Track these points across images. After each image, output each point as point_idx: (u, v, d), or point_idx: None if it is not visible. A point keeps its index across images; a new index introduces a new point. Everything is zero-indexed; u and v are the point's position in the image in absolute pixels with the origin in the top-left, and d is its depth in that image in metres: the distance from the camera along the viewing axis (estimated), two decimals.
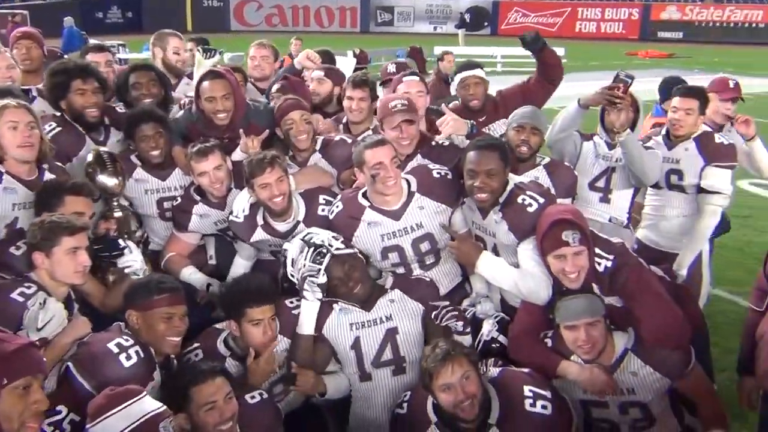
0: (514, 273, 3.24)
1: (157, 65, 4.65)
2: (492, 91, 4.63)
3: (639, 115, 4.01)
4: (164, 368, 2.88)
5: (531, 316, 3.20)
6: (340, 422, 3.44)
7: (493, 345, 3.34)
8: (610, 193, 4.11)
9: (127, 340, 2.73)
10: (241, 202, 3.60)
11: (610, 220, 4.09)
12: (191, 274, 3.78)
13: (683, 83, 4.84)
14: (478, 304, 3.48)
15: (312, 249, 3.17)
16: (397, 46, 22.81)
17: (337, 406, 3.41)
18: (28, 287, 2.80)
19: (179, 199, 3.86)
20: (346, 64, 5.75)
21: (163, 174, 3.91)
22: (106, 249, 3.31)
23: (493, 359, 3.25)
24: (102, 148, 3.68)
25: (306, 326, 3.22)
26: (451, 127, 3.83)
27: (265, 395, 2.95)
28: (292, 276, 3.24)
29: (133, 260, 3.33)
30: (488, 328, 3.38)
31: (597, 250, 3.05)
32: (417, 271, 3.52)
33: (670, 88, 4.70)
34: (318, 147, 3.94)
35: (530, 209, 3.21)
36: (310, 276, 3.14)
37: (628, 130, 3.85)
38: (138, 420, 2.31)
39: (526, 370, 3.02)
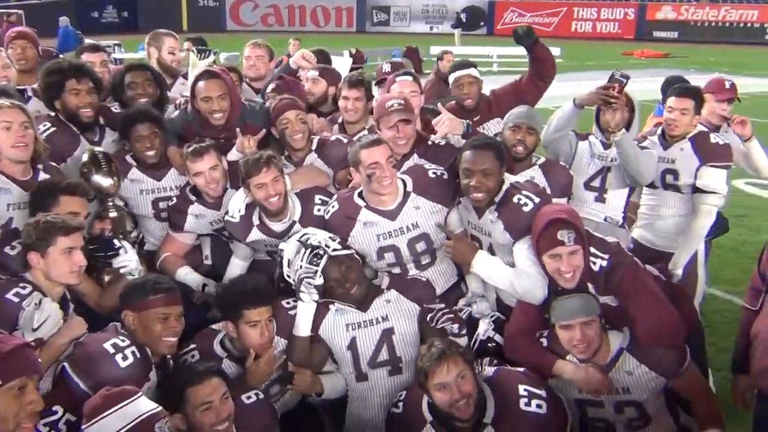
0: (510, 272, 3.24)
1: (153, 65, 4.65)
2: (487, 90, 4.63)
3: (634, 115, 4.01)
4: (160, 369, 2.87)
5: (527, 315, 3.21)
6: (336, 422, 3.44)
7: (489, 344, 3.35)
8: (606, 193, 4.12)
9: (123, 341, 2.72)
10: (236, 202, 3.59)
11: (605, 220, 4.09)
12: (187, 275, 3.77)
13: (686, 83, 4.85)
14: (474, 303, 3.48)
15: (309, 250, 3.17)
16: (393, 45, 22.86)
17: (333, 406, 3.41)
18: (24, 287, 2.79)
19: (175, 200, 3.85)
20: (342, 64, 5.76)
21: (159, 174, 3.90)
22: (101, 249, 3.30)
23: (488, 359, 3.25)
24: (97, 148, 3.67)
25: (302, 328, 3.22)
26: (447, 127, 3.83)
27: (261, 395, 2.95)
28: (288, 276, 3.24)
29: (128, 260, 3.32)
30: (484, 328, 3.39)
31: (592, 250, 3.06)
32: (413, 271, 3.52)
33: None
34: (314, 147, 3.94)
35: (526, 209, 3.21)
36: (307, 277, 3.14)
37: (623, 129, 3.85)
38: (133, 420, 2.31)
39: (521, 369, 3.03)
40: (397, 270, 3.51)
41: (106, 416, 2.31)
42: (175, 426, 2.53)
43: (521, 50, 4.51)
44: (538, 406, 2.83)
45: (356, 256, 3.30)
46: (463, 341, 3.20)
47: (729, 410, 3.19)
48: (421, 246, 3.47)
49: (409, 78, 4.26)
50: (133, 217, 3.87)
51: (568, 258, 2.98)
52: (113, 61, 14.24)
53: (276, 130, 3.92)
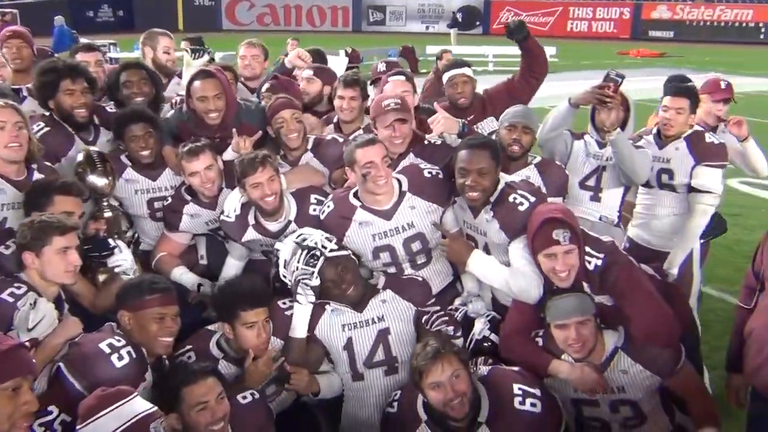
0: (505, 271, 3.25)
1: (147, 65, 4.64)
2: (480, 90, 4.64)
3: (629, 114, 4.01)
4: (156, 369, 2.87)
5: (522, 315, 3.21)
6: (332, 422, 3.44)
7: (485, 344, 3.35)
8: (601, 192, 4.12)
9: (119, 341, 2.72)
10: (232, 202, 3.59)
11: (600, 219, 4.09)
12: (182, 274, 3.77)
13: (689, 81, 4.85)
14: (470, 303, 3.49)
15: (305, 252, 3.16)
16: (389, 45, 22.87)
17: (329, 406, 3.41)
18: (18, 287, 2.79)
19: (170, 199, 3.84)
20: (338, 63, 5.76)
21: (154, 174, 3.89)
22: (95, 249, 3.29)
23: (482, 358, 3.26)
24: (92, 148, 3.67)
25: (299, 330, 3.22)
26: (443, 126, 3.83)
27: (257, 395, 2.94)
28: (284, 277, 3.24)
29: (123, 259, 3.32)
30: (480, 327, 3.39)
31: (587, 249, 3.06)
32: (408, 271, 3.52)
33: None
34: (310, 146, 3.94)
35: (521, 208, 3.22)
36: (304, 279, 3.14)
37: (618, 129, 3.86)
38: (129, 420, 2.30)
39: (515, 368, 3.03)
40: (392, 270, 3.51)
41: (101, 416, 2.31)
42: (170, 426, 2.53)
43: (517, 50, 4.51)
44: (533, 405, 2.84)
45: (353, 257, 3.30)
46: (458, 343, 3.19)
47: (723, 408, 3.20)
48: (416, 246, 3.48)
49: (402, 77, 4.27)
50: (128, 217, 3.86)
51: (563, 257, 2.99)
52: (108, 60, 14.23)
53: (272, 130, 3.91)
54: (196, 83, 3.88)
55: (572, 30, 35.02)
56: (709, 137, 4.19)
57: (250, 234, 3.58)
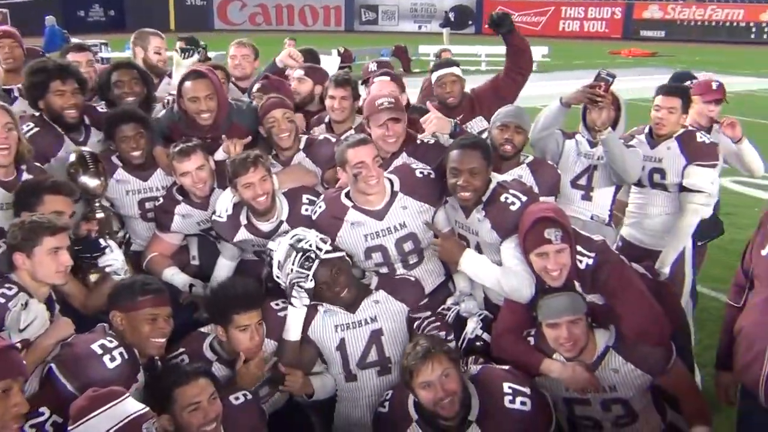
0: (497, 271, 3.25)
1: (138, 64, 4.62)
2: (468, 89, 4.64)
3: (621, 114, 4.02)
4: (148, 370, 2.86)
5: (514, 314, 3.22)
6: (325, 422, 3.44)
7: (477, 343, 3.35)
8: (592, 191, 4.13)
9: (111, 342, 2.71)
10: (224, 202, 3.58)
11: (591, 218, 4.10)
12: (173, 275, 3.75)
13: (694, 78, 4.85)
14: (462, 302, 3.49)
15: (300, 254, 3.15)
16: (381, 44, 22.87)
17: (322, 406, 3.41)
18: (9, 288, 2.77)
19: (161, 200, 3.83)
20: (330, 63, 5.75)
21: (145, 174, 3.87)
22: (86, 250, 3.28)
23: (473, 357, 3.26)
24: (84, 149, 3.65)
25: (293, 332, 3.22)
26: (435, 125, 3.84)
27: (249, 396, 2.93)
28: (278, 278, 3.23)
29: (113, 259, 3.30)
30: (472, 327, 3.39)
31: (578, 248, 3.07)
32: (400, 271, 3.52)
33: None
34: (302, 146, 3.94)
35: (513, 207, 3.22)
36: (299, 281, 3.14)
37: (609, 128, 3.86)
38: (121, 421, 2.30)
39: (505, 367, 3.04)
40: (384, 270, 3.51)
41: (93, 417, 2.30)
42: (162, 427, 2.52)
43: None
44: (523, 403, 2.85)
45: (347, 258, 3.29)
46: (450, 346, 3.20)
47: (715, 406, 3.21)
48: (408, 246, 3.48)
49: (387, 78, 4.29)
50: (119, 217, 3.85)
51: (555, 256, 2.99)
52: (99, 60, 14.17)
53: (263, 129, 3.91)
54: (188, 83, 3.87)
55: (564, 30, 35.10)
56: (700, 137, 4.19)
57: (242, 234, 3.57)
